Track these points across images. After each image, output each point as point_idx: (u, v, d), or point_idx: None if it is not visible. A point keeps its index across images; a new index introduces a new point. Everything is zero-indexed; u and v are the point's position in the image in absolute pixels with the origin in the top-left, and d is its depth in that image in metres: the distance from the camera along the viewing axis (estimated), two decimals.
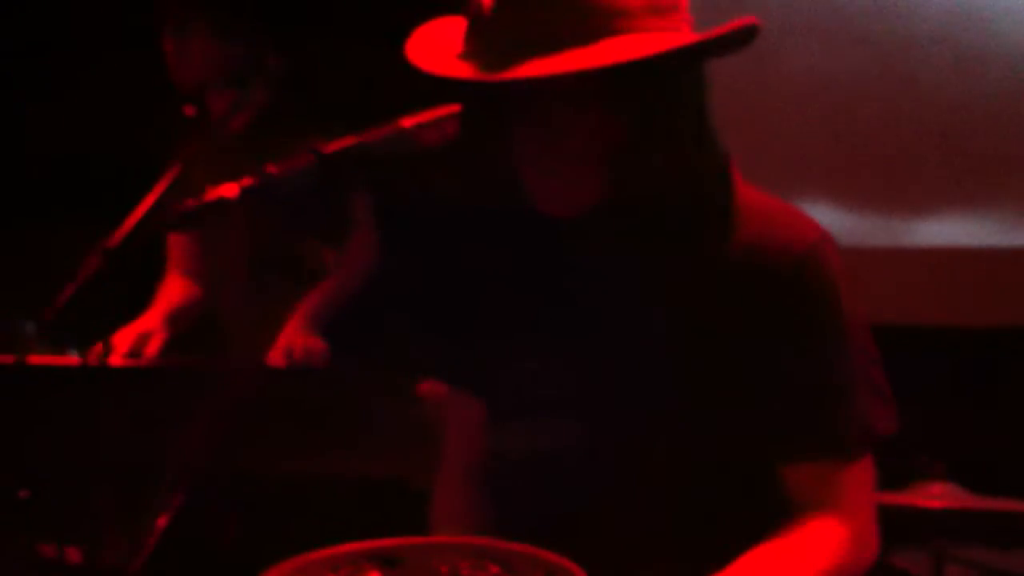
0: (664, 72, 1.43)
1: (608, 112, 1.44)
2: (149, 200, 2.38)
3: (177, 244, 3.16)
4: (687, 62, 1.46)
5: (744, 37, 1.44)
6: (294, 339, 2.81)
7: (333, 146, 1.43)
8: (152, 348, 2.89)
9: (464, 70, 1.41)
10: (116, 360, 2.81)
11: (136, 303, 3.05)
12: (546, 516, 1.52)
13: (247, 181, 1.36)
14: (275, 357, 2.79)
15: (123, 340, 2.87)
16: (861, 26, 3.56)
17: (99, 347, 2.63)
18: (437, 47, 1.47)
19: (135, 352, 2.86)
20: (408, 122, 1.47)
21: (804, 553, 1.47)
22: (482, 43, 1.43)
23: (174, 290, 3.14)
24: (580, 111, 1.44)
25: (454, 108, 1.47)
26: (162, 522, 1.28)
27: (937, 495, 2.45)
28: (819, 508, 1.49)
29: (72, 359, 2.62)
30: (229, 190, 1.35)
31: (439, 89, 1.44)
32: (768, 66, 3.56)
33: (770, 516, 1.51)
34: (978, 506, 2.45)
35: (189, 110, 2.90)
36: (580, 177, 1.47)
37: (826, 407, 1.49)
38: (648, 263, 1.50)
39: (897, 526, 1.72)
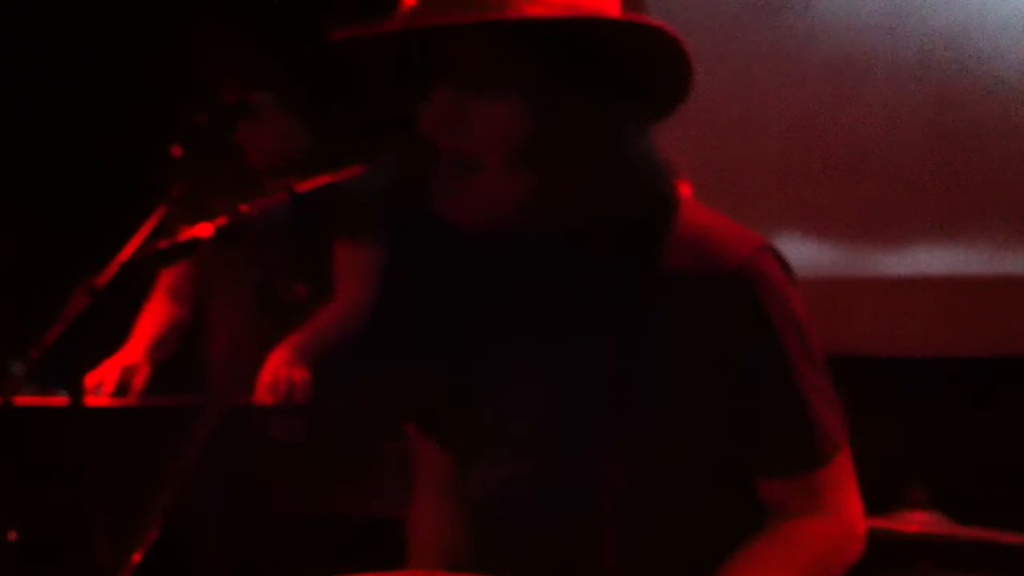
0: (562, 57, 1.44)
1: (517, 102, 1.45)
2: (137, 239, 2.40)
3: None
4: (587, 52, 1.45)
5: (654, 45, 1.44)
6: (279, 371, 2.81)
7: (306, 185, 1.45)
8: (138, 383, 2.90)
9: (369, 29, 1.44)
10: (103, 399, 2.83)
11: (123, 342, 3.06)
12: (513, 548, 1.53)
13: (221, 220, 1.38)
14: (261, 392, 2.80)
15: (108, 375, 2.88)
16: (839, 56, 3.58)
17: (80, 385, 2.64)
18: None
19: (121, 389, 2.87)
20: None
21: (783, 553, 1.48)
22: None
23: (156, 314, 3.14)
24: (488, 100, 1.44)
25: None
26: (137, 557, 1.29)
27: (919, 523, 2.46)
28: (798, 514, 1.50)
29: (60, 399, 2.63)
30: (203, 229, 1.37)
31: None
32: (744, 99, 3.58)
33: (739, 535, 1.52)
34: (960, 534, 2.46)
35: (176, 151, 2.92)
36: (491, 181, 1.47)
37: (787, 419, 1.49)
38: (585, 286, 1.50)
39: (879, 553, 1.73)
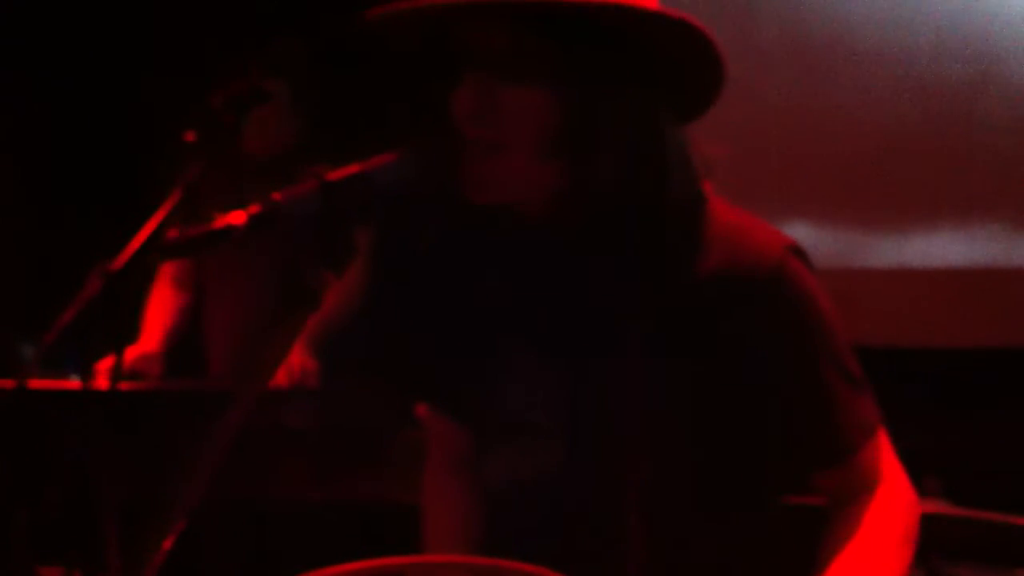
0: (590, 45, 1.43)
1: (547, 90, 1.44)
2: (152, 224, 2.39)
3: None
4: (618, 41, 1.45)
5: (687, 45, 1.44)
6: (292, 358, 2.82)
7: (337, 173, 1.44)
8: (154, 370, 2.91)
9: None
10: (118, 383, 2.82)
11: (138, 327, 3.07)
12: (531, 541, 1.52)
13: (254, 208, 1.37)
14: (276, 376, 2.80)
15: (123, 362, 2.88)
16: (844, 45, 3.58)
17: (104, 366, 2.64)
18: None
19: (138, 377, 2.88)
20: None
21: (879, 538, 1.50)
22: None
23: (166, 303, 3.15)
24: (517, 87, 1.44)
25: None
26: (167, 545, 1.29)
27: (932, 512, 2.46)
28: (855, 495, 1.53)
29: (73, 383, 2.63)
30: (236, 217, 1.36)
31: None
32: (749, 88, 3.57)
33: (755, 540, 1.55)
34: (974, 525, 2.46)
35: (190, 136, 2.91)
36: (520, 167, 1.47)
37: (825, 411, 1.51)
38: (619, 278, 1.50)
39: None
